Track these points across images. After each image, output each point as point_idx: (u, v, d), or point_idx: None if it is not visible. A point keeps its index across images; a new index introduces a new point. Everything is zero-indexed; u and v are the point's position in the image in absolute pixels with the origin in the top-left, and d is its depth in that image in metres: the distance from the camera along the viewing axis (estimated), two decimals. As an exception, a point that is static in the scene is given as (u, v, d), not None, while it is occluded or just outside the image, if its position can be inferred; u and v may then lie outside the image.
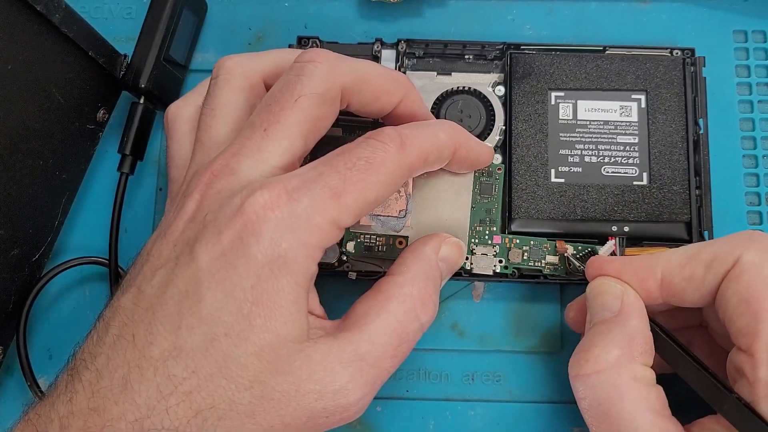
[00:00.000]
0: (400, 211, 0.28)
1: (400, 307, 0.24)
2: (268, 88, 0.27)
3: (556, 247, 0.30)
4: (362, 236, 0.29)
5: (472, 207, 0.29)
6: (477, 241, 0.30)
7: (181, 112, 0.29)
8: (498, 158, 0.33)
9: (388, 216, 0.28)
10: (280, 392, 0.21)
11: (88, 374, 0.20)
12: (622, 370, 0.24)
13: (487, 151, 0.29)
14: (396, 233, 0.29)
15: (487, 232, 0.29)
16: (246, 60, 0.27)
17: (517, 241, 0.30)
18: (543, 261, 0.30)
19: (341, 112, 0.26)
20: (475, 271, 0.30)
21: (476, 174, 0.30)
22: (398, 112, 0.27)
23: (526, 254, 0.30)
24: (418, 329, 0.24)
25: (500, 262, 0.30)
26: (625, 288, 0.26)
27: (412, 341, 0.24)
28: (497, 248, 0.30)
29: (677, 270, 0.26)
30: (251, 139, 0.23)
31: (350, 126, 0.32)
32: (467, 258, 0.30)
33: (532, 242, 0.30)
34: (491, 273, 0.30)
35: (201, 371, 0.20)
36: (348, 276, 0.30)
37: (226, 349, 0.20)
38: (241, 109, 0.26)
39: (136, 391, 0.20)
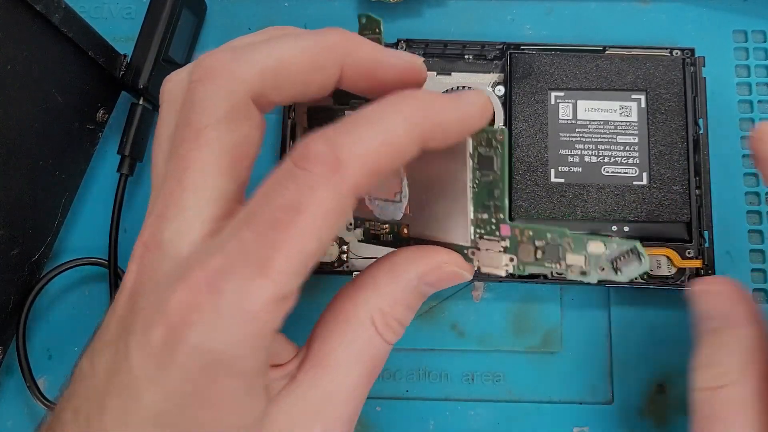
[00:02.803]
0: (395, 193, 0.23)
1: (366, 339, 0.21)
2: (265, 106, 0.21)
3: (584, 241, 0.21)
4: (368, 223, 0.25)
5: (472, 188, 0.22)
6: (483, 231, 0.22)
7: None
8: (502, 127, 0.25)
9: (385, 200, 0.23)
10: None
11: None
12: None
13: (474, 109, 0.20)
14: (397, 221, 0.24)
15: (493, 220, 0.22)
16: (229, 79, 0.20)
17: (530, 233, 0.21)
18: (564, 263, 0.21)
19: None
20: (483, 270, 0.22)
21: (472, 141, 0.21)
22: (349, 80, 0.21)
23: (539, 252, 0.21)
24: (388, 350, 0.22)
25: (511, 260, 0.22)
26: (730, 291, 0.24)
27: (382, 363, 0.22)
28: (507, 241, 0.22)
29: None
30: (172, 195, 0.19)
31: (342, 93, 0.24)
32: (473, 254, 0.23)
33: (549, 235, 0.21)
34: (503, 274, 0.22)
35: None
36: (353, 276, 0.30)
37: None
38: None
39: None
